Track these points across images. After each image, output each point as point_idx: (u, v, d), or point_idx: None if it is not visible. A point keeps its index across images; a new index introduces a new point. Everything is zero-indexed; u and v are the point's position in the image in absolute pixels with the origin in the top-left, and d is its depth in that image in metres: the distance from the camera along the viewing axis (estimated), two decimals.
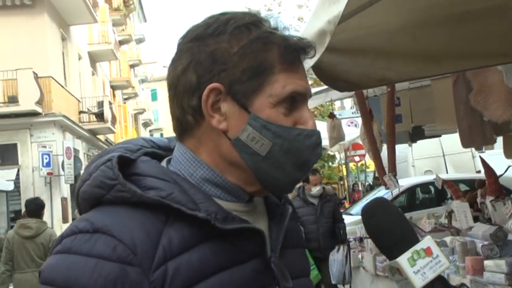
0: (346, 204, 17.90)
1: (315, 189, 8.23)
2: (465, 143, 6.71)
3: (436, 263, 1.32)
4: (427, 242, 1.34)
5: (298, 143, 1.17)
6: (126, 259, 1.04)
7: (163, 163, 1.26)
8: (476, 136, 6.30)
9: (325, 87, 6.78)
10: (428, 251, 1.33)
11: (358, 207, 11.91)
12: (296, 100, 1.18)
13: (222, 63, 1.15)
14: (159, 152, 1.29)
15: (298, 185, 7.47)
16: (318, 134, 1.21)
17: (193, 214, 1.10)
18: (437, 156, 16.43)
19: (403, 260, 1.32)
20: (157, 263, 1.06)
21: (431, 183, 11.18)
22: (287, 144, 1.16)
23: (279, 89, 1.15)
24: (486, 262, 4.19)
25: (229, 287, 1.12)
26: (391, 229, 1.36)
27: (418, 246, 1.33)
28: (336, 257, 7.50)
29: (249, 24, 1.18)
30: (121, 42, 38.34)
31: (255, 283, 1.16)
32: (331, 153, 24.61)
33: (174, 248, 1.09)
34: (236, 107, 1.16)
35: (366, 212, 1.42)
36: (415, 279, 1.30)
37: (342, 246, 7.53)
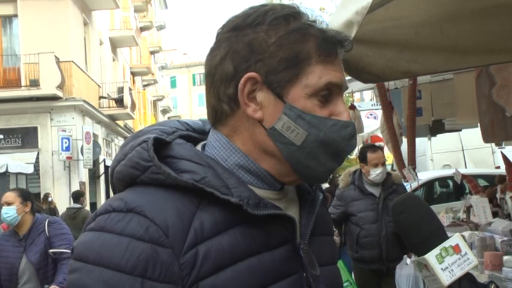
0: None
1: (375, 173, 5.65)
2: (486, 138, 6.66)
3: (465, 261, 1.32)
4: (455, 239, 1.34)
5: (333, 134, 1.18)
6: (158, 240, 1.06)
7: (199, 147, 1.28)
8: (498, 131, 6.26)
9: (347, 78, 6.76)
10: (456, 248, 1.33)
11: None
12: (331, 92, 1.20)
13: (259, 53, 1.17)
14: (193, 134, 1.31)
15: (354, 169, 6.07)
16: (352, 125, 1.21)
17: (225, 199, 1.12)
18: (456, 151, 16.32)
19: (431, 256, 1.32)
20: (188, 246, 1.08)
21: (450, 177, 11.12)
22: (322, 134, 1.17)
23: (315, 80, 1.17)
24: (505, 258, 4.19)
25: (258, 272, 1.13)
26: (421, 225, 1.36)
27: (446, 243, 1.33)
28: (404, 270, 5.45)
29: (288, 16, 1.19)
30: (142, 29, 38.39)
31: (283, 269, 1.18)
32: None
33: (206, 231, 1.11)
34: (272, 97, 1.18)
35: (395, 208, 1.42)
36: (442, 276, 1.31)
37: (412, 257, 5.46)
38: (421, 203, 1.44)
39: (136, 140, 1.20)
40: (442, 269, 1.32)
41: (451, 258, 1.32)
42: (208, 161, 1.19)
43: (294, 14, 1.20)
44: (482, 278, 4.14)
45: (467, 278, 1.34)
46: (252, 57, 1.17)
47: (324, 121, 1.18)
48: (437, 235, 1.36)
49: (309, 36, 1.18)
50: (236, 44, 1.18)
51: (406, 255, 5.52)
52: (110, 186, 1.28)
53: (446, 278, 1.31)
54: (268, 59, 1.17)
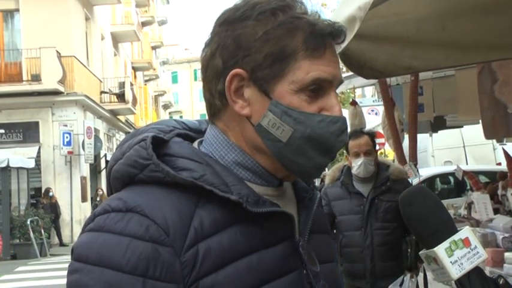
0: None
1: (356, 165, 4.47)
2: (488, 135, 6.65)
3: (474, 254, 1.31)
4: (465, 232, 1.33)
5: (320, 130, 1.16)
6: (159, 239, 1.06)
7: (195, 144, 1.26)
8: (500, 128, 6.25)
9: (348, 74, 6.76)
10: (466, 242, 1.31)
11: None
12: (322, 87, 1.17)
13: (246, 48, 1.15)
14: (190, 133, 1.29)
15: (344, 163, 4.92)
16: (342, 120, 1.18)
17: (225, 196, 1.11)
18: (457, 147, 16.32)
19: (440, 249, 1.30)
20: (189, 244, 1.07)
21: (451, 173, 11.13)
22: (309, 130, 1.15)
23: (302, 76, 1.15)
24: (506, 254, 4.18)
25: (258, 269, 1.13)
26: (430, 218, 1.35)
27: (456, 237, 1.31)
28: None
29: (276, 9, 1.17)
30: (143, 24, 38.40)
31: (283, 266, 1.17)
32: None
33: (206, 229, 1.10)
34: (258, 93, 1.16)
35: (404, 200, 1.41)
36: (452, 269, 1.29)
37: (409, 275, 4.42)
38: (431, 195, 1.42)
39: (134, 139, 1.19)
40: (451, 262, 1.30)
41: (461, 251, 1.31)
42: (206, 159, 1.18)
43: (282, 7, 1.17)
44: None
45: (477, 271, 1.32)
46: (239, 52, 1.15)
47: (310, 117, 1.16)
48: (447, 228, 1.34)
49: (295, 30, 1.16)
50: (225, 39, 1.17)
51: (404, 274, 4.38)
52: (107, 186, 1.27)
53: (456, 272, 1.30)
54: (254, 54, 1.15)
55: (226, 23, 1.18)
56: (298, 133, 1.15)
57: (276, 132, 1.15)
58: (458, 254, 1.30)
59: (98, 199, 21.31)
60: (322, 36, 1.16)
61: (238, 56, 1.15)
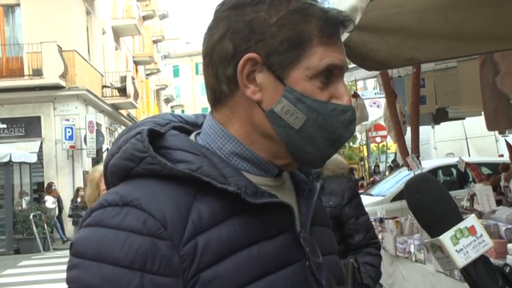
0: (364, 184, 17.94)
1: None
2: (490, 126, 6.65)
3: (480, 243, 1.29)
4: (471, 220, 1.31)
5: (332, 119, 1.15)
6: (157, 233, 1.04)
7: (192, 137, 1.25)
8: (502, 119, 6.24)
9: (350, 66, 6.74)
10: (472, 230, 1.29)
11: (379, 188, 11.85)
12: (332, 74, 1.16)
13: (260, 33, 1.13)
14: (186, 126, 1.28)
15: None
16: (352, 110, 1.18)
17: (223, 188, 1.10)
18: (459, 139, 16.31)
19: (445, 238, 1.29)
20: (187, 237, 1.06)
21: (453, 165, 11.12)
22: (321, 119, 1.14)
23: (316, 62, 1.13)
24: (510, 245, 4.19)
25: (259, 261, 1.12)
26: (435, 206, 1.33)
27: (461, 225, 1.29)
28: None
29: None
30: (145, 18, 38.37)
31: (284, 258, 1.16)
32: None
33: (204, 222, 1.09)
34: (272, 79, 1.14)
35: (409, 188, 1.39)
36: (457, 258, 1.28)
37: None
38: (436, 182, 1.40)
39: (130, 133, 1.18)
40: (456, 250, 1.28)
41: (466, 240, 1.29)
42: (203, 150, 1.17)
43: None
44: None
45: (482, 260, 1.31)
46: (253, 37, 1.13)
47: (323, 105, 1.15)
48: (452, 216, 1.32)
49: (310, 16, 1.15)
50: (236, 23, 1.14)
51: None
52: (104, 181, 1.25)
53: (461, 260, 1.28)
54: (270, 39, 1.13)
55: (236, 7, 1.16)
56: (311, 121, 1.14)
57: (289, 119, 1.14)
58: (463, 242, 1.28)
59: (79, 200, 18.55)
60: (335, 24, 1.16)
61: (252, 40, 1.13)
